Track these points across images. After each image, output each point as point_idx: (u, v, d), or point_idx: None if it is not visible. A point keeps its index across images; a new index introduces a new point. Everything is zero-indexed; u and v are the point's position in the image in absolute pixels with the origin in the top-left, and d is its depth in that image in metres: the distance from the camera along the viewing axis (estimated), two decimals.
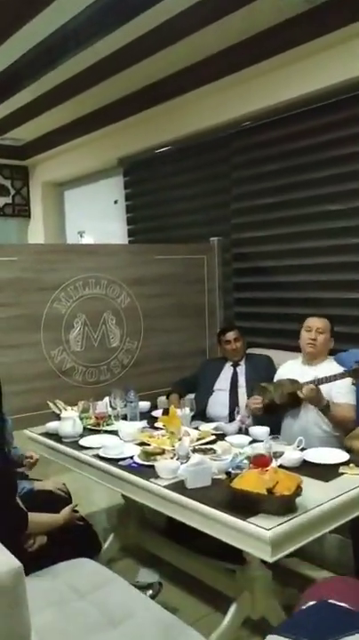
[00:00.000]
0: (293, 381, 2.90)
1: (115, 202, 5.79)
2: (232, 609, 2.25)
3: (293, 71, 3.80)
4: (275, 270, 4.28)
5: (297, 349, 3.84)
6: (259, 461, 2.07)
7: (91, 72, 4.19)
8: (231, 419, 3.37)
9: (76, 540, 2.30)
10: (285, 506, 1.88)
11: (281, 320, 4.20)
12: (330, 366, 2.97)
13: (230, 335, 3.59)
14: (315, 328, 3.03)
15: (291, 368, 3.13)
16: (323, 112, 3.81)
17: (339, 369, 2.91)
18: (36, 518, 2.15)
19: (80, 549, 2.25)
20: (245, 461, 2.19)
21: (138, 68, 4.09)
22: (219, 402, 3.48)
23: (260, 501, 1.88)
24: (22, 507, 2.10)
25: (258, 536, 1.79)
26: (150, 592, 2.35)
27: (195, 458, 2.22)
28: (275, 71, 3.88)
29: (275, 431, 2.83)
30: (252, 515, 1.88)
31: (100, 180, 6.01)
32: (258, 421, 2.94)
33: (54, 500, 2.53)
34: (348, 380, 2.84)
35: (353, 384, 2.80)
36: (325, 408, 2.81)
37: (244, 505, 1.92)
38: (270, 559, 1.78)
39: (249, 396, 3.42)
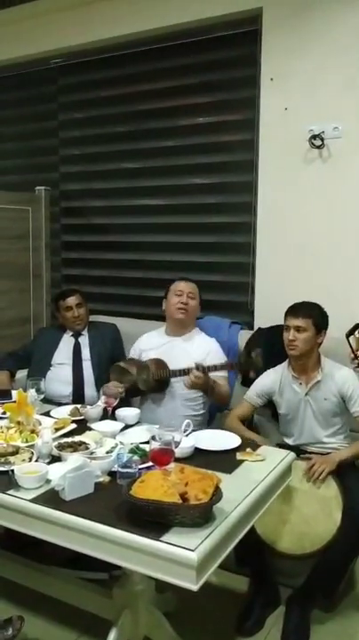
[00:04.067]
0: (161, 365, 2.53)
1: None
2: (112, 635, 1.83)
3: (134, 3, 3.32)
4: (109, 229, 3.83)
5: (136, 316, 3.54)
6: (161, 458, 1.66)
7: None
8: (75, 398, 2.89)
9: None
10: (204, 515, 1.51)
11: (117, 284, 3.80)
12: (200, 339, 2.67)
13: (71, 300, 3.06)
14: (186, 292, 2.70)
15: (152, 342, 2.75)
16: (169, 55, 3.43)
17: (206, 345, 2.63)
18: None
19: None
20: (135, 457, 1.76)
21: None
22: (59, 379, 2.95)
23: (173, 512, 1.48)
24: None
25: (180, 560, 1.39)
26: (10, 632, 1.80)
27: (73, 459, 1.72)
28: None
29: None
30: (163, 530, 1.47)
31: None
32: None
33: None
34: (220, 354, 2.59)
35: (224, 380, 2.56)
36: (210, 389, 2.51)
37: (150, 518, 1.50)
38: (195, 586, 1.40)
39: (95, 370, 2.98)
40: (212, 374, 2.47)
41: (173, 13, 3.21)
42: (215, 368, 2.43)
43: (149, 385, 2.54)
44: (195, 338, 2.71)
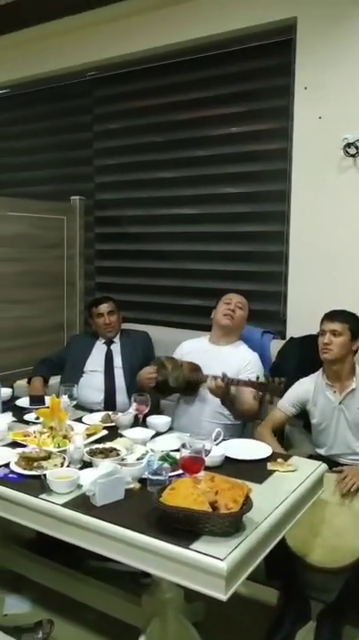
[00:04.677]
0: (194, 368, 2.54)
1: None
2: None
3: (168, 15, 3.36)
4: (142, 238, 3.86)
5: (168, 325, 3.56)
6: (192, 466, 1.66)
7: None
8: (107, 405, 2.91)
9: None
10: (234, 524, 1.50)
11: (149, 293, 3.83)
12: (238, 350, 2.67)
13: (103, 308, 3.10)
14: (235, 302, 2.75)
15: (194, 347, 2.77)
16: (203, 66, 3.45)
17: (247, 354, 2.64)
18: None
19: None
20: (165, 465, 1.76)
21: None
22: (91, 385, 2.98)
23: (203, 521, 1.48)
24: None
25: (209, 569, 1.39)
26: (40, 635, 1.82)
27: (104, 465, 1.73)
28: (150, 13, 3.41)
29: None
30: (192, 538, 1.47)
31: None
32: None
33: None
34: (259, 367, 2.58)
35: (254, 397, 2.53)
36: (229, 401, 2.50)
37: (180, 526, 1.50)
38: (224, 596, 1.39)
39: (127, 378, 3.00)
40: (243, 389, 2.46)
41: (208, 25, 3.24)
42: (237, 382, 2.41)
43: (179, 384, 2.56)
44: (238, 349, 2.71)
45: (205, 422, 2.57)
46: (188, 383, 2.55)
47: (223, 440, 2.12)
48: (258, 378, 2.38)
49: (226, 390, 2.41)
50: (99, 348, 3.11)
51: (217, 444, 2.02)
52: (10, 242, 3.43)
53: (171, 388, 2.63)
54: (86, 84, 3.96)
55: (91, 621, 2.18)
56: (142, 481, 1.79)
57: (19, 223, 3.47)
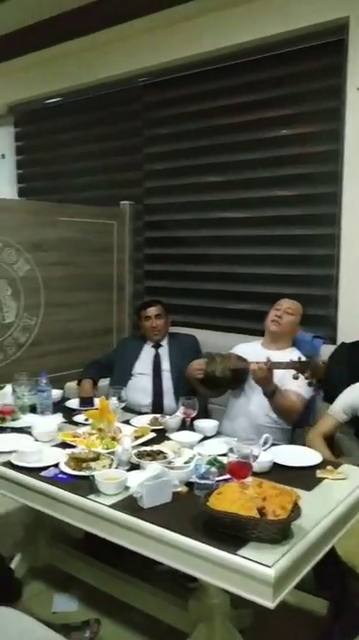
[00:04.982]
0: (241, 358, 2.54)
1: (2, 156, 4.99)
2: None
3: (216, 19, 3.37)
4: (191, 241, 3.87)
5: (216, 329, 3.54)
6: (239, 471, 1.64)
7: None
8: (154, 408, 2.93)
9: None
10: (282, 531, 1.48)
11: (197, 297, 3.83)
12: (293, 356, 2.64)
13: (151, 311, 3.12)
14: (284, 307, 2.74)
15: (246, 350, 2.76)
16: (250, 69, 3.44)
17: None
18: None
19: None
20: (213, 469, 1.76)
21: None
22: (139, 388, 3.01)
23: (251, 527, 1.46)
24: None
25: (256, 575, 1.37)
26: (87, 634, 1.84)
27: (152, 468, 1.74)
28: (198, 18, 3.42)
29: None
30: (239, 544, 1.46)
31: None
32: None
33: None
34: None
35: (294, 377, 2.48)
36: (271, 393, 2.47)
37: (227, 531, 1.49)
38: (272, 604, 1.37)
39: (174, 381, 3.01)
40: (287, 387, 2.43)
41: (257, 28, 3.23)
42: (279, 365, 2.39)
43: (226, 373, 2.56)
44: (289, 355, 2.68)
45: (254, 426, 2.55)
46: (234, 372, 2.54)
47: (272, 445, 2.09)
48: (299, 358, 2.37)
49: (269, 375, 2.39)
50: (147, 352, 3.13)
51: (265, 450, 1.99)
52: (61, 246, 3.50)
53: (218, 380, 2.61)
54: (137, 90, 4.01)
55: (138, 623, 2.19)
56: (189, 484, 1.79)
57: (70, 228, 3.54)
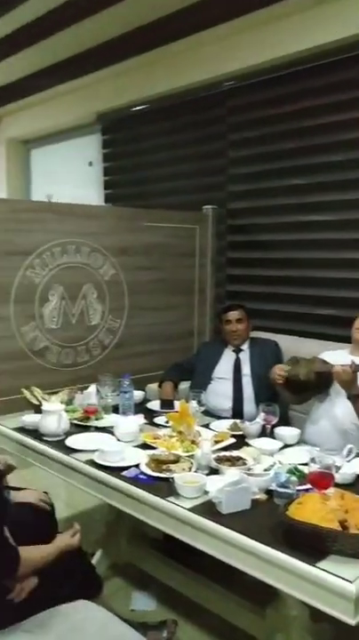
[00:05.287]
0: (326, 362, 2.48)
1: (90, 164, 5.16)
2: None
3: (304, 19, 3.30)
4: (274, 245, 3.82)
5: (301, 334, 3.47)
6: (321, 481, 1.61)
7: (66, 9, 3.49)
8: (234, 413, 2.92)
9: (70, 575, 1.78)
10: None
11: (280, 301, 3.77)
12: None
13: (232, 315, 3.12)
14: None
15: (332, 358, 2.69)
16: (336, 69, 3.34)
17: None
18: (28, 554, 1.60)
19: (75, 588, 1.73)
20: (293, 478, 1.73)
21: (123, 7, 3.45)
22: (219, 392, 3.01)
23: (332, 539, 1.43)
24: (12, 542, 1.56)
25: (337, 590, 1.34)
26: (164, 634, 1.87)
27: (231, 473, 1.74)
28: (283, 20, 3.37)
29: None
30: (319, 556, 1.42)
31: (74, 138, 5.35)
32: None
33: (35, 517, 2.00)
34: None
35: None
36: (355, 396, 2.39)
37: (306, 542, 1.46)
38: (353, 620, 1.33)
39: (255, 386, 2.99)
40: None
41: (341, 28, 3.14)
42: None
43: (310, 376, 2.49)
44: None
45: (338, 431, 2.48)
46: (318, 375, 2.48)
47: (356, 456, 2.03)
48: None
49: (353, 378, 2.32)
50: (228, 356, 3.13)
51: (349, 461, 1.94)
52: (146, 251, 3.57)
53: (303, 384, 2.55)
54: (220, 95, 4.02)
55: (214, 627, 2.19)
56: (268, 492, 1.77)
57: (155, 233, 3.61)
